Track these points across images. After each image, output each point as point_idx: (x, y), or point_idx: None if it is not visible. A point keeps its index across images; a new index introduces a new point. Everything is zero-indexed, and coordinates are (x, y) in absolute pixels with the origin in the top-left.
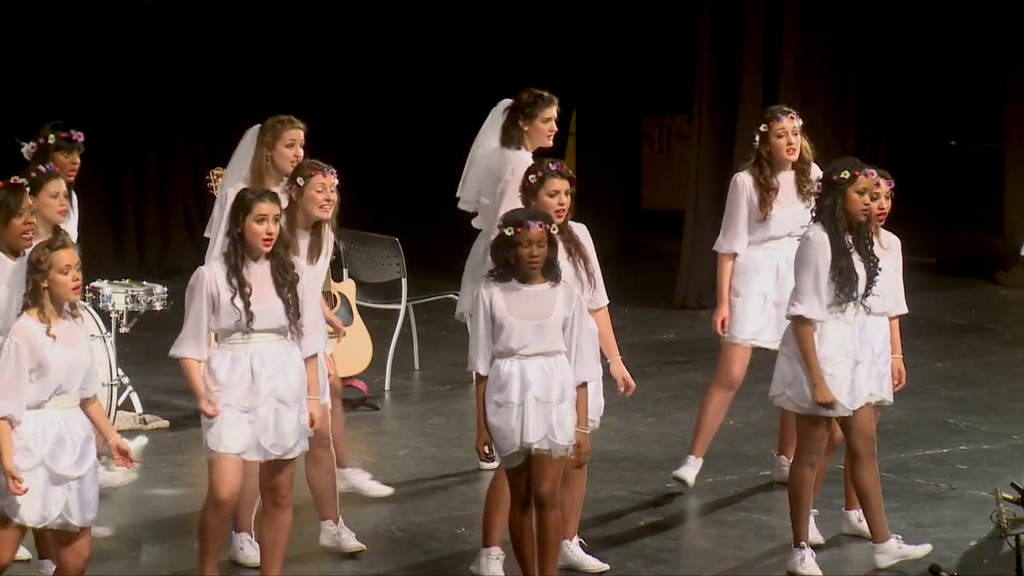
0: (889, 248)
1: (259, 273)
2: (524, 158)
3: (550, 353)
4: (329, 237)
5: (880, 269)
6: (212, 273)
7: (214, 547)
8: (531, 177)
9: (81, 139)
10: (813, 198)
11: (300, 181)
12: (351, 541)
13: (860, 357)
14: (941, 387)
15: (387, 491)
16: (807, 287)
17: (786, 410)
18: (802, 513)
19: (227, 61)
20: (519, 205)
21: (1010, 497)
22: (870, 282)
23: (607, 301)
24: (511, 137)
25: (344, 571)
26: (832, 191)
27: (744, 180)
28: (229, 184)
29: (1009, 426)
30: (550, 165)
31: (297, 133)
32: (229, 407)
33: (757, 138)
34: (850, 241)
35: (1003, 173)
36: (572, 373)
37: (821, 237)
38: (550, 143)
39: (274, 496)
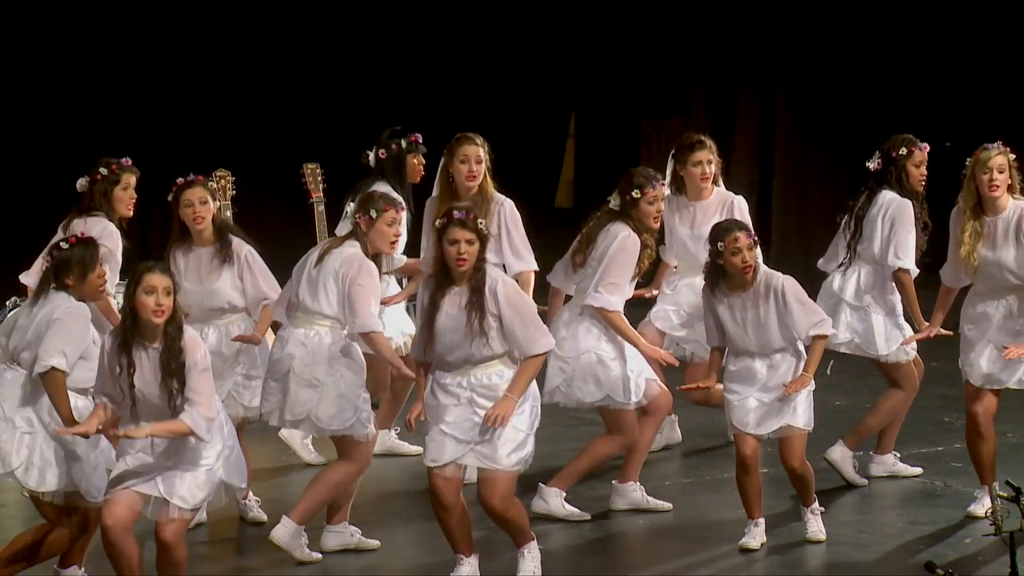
0: (768, 294)
1: (147, 357)
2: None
3: None
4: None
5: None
6: (110, 344)
7: (128, 568)
8: (437, 222)
9: (419, 139)
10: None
11: (373, 213)
12: (364, 540)
13: None
14: (936, 386)
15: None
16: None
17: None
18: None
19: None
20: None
21: (1004, 495)
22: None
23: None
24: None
25: (345, 570)
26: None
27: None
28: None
29: (1002, 424)
30: (455, 213)
31: (471, 149)
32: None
33: (629, 197)
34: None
35: None
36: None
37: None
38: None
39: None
